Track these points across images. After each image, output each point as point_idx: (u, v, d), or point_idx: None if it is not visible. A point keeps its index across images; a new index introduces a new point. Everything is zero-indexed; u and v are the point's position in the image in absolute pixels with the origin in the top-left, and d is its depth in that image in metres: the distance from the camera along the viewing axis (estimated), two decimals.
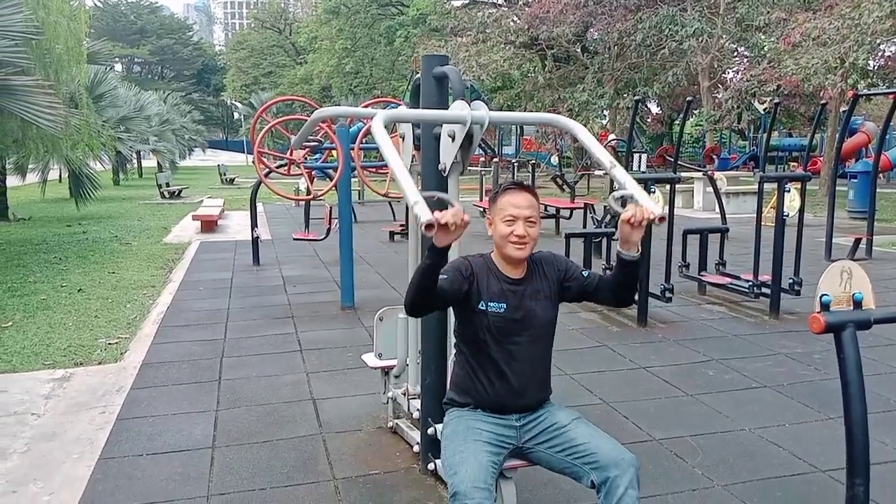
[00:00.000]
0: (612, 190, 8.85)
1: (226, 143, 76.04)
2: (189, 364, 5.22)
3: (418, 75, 3.32)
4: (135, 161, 31.84)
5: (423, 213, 2.06)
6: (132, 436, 3.93)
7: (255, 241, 9.50)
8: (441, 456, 2.58)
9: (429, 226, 2.06)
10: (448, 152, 2.89)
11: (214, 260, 9.87)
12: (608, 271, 7.34)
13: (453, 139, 2.86)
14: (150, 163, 35.06)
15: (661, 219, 2.33)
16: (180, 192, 21.21)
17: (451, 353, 2.84)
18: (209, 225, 13.06)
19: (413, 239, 3.62)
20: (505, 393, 2.56)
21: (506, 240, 2.52)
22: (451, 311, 3.05)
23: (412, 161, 3.44)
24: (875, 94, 13.94)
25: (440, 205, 2.21)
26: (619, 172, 2.58)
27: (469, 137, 2.80)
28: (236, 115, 52.65)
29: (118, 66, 58.43)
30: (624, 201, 2.50)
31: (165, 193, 20.63)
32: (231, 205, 17.73)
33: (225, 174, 27.92)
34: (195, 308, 6.99)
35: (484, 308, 2.52)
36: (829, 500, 3.17)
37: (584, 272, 2.67)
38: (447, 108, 3.06)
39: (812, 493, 3.24)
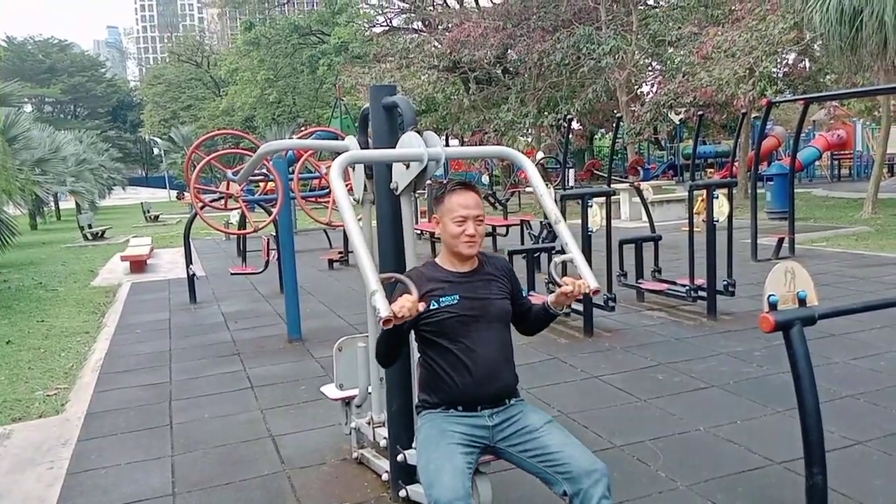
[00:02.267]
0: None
1: (146, 179, 73.97)
2: (136, 410, 5.05)
3: (366, 105, 3.34)
4: (52, 203, 30.65)
5: (382, 308, 2.18)
6: (86, 490, 3.77)
7: (192, 279, 9.28)
8: (417, 463, 2.62)
9: (386, 321, 2.19)
10: (402, 177, 2.92)
11: (149, 300, 9.58)
12: (551, 285, 7.52)
13: (408, 167, 2.90)
14: (68, 204, 33.81)
15: (595, 291, 2.54)
16: (104, 232, 20.51)
17: (415, 356, 2.88)
18: (139, 265, 12.67)
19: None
20: (471, 383, 2.61)
21: (457, 239, 2.64)
22: None
23: (364, 190, 3.45)
24: (787, 101, 14.72)
25: (390, 288, 2.46)
26: (563, 230, 2.74)
27: (424, 169, 2.84)
28: (156, 151, 51.34)
29: (28, 107, 56.28)
30: (564, 266, 2.70)
31: (88, 235, 19.91)
32: (158, 243, 17.26)
33: (149, 212, 27.17)
34: (135, 352, 6.77)
35: (437, 306, 2.61)
36: (787, 490, 3.30)
37: (523, 294, 2.88)
38: (397, 137, 3.09)
39: (771, 485, 3.37)
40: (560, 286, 2.57)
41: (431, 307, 2.58)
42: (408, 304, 2.26)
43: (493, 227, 12.56)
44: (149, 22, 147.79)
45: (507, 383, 2.69)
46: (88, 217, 21.51)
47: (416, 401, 2.87)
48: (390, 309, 2.19)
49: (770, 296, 2.90)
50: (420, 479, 2.54)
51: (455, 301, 2.62)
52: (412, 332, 2.72)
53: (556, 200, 7.99)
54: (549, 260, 8.47)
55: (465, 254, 2.66)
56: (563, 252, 2.72)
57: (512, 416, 2.64)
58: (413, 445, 3.01)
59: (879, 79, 13.27)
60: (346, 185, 3.49)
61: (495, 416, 2.63)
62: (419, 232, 13.27)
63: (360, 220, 4.25)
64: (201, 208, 6.71)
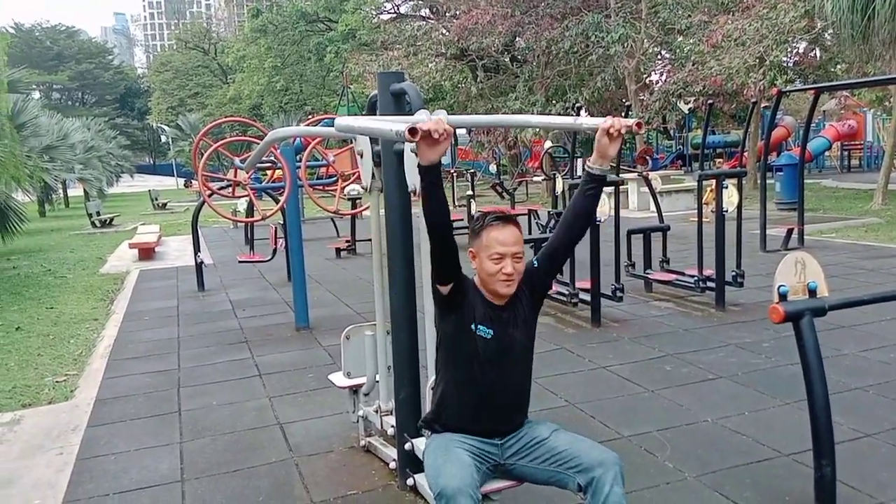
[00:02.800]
0: (554, 192, 9.01)
1: (154, 167, 74.14)
2: (145, 397, 5.07)
3: (374, 93, 3.33)
4: (61, 191, 30.74)
5: (405, 124, 2.08)
6: (95, 475, 3.80)
7: (199, 266, 9.30)
8: (424, 467, 2.59)
9: (412, 130, 2.07)
10: (413, 171, 2.90)
11: (157, 288, 9.61)
12: (558, 274, 7.49)
13: (416, 154, 2.87)
14: (76, 192, 33.86)
15: (639, 125, 2.40)
16: (112, 220, 20.56)
17: (430, 378, 2.84)
18: (147, 252, 12.70)
19: (377, 252, 3.62)
20: (489, 419, 2.58)
21: (494, 278, 2.50)
22: (430, 332, 3.05)
23: (372, 177, 3.44)
24: (797, 91, 14.61)
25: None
26: (585, 120, 2.62)
27: None
28: (163, 138, 51.35)
29: (36, 94, 56.38)
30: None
31: (96, 222, 19.96)
32: (166, 230, 17.29)
33: (157, 199, 27.21)
34: (144, 339, 6.80)
35: (474, 330, 2.52)
36: (795, 481, 3.30)
37: (533, 263, 2.66)
38: None
39: (779, 477, 3.37)
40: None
41: (471, 327, 2.52)
42: (432, 122, 2.15)
43: None
44: (156, 8, 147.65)
45: (520, 423, 2.65)
46: (97, 204, 21.57)
47: (424, 415, 2.82)
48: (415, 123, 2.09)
49: (780, 286, 2.89)
50: (427, 481, 2.50)
51: (489, 336, 2.53)
52: (437, 338, 2.68)
53: (563, 190, 7.98)
54: None
55: (502, 293, 2.53)
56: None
57: (519, 433, 2.63)
58: (421, 464, 3.00)
59: (891, 68, 13.14)
60: (354, 173, 3.48)
61: (503, 436, 2.62)
62: None
63: (367, 209, 4.25)
64: (209, 196, 6.71)
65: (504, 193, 15.29)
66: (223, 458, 3.92)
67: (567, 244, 2.65)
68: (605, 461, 2.39)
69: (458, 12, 23.39)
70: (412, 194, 2.99)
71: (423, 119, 2.64)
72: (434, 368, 2.79)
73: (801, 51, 19.41)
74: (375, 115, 3.41)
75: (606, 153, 2.46)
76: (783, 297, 2.89)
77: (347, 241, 11.96)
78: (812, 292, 2.95)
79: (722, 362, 5.13)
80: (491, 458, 2.57)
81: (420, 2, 28.93)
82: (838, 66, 19.68)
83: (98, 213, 20.45)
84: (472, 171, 17.61)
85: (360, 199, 11.22)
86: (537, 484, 2.59)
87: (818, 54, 20.16)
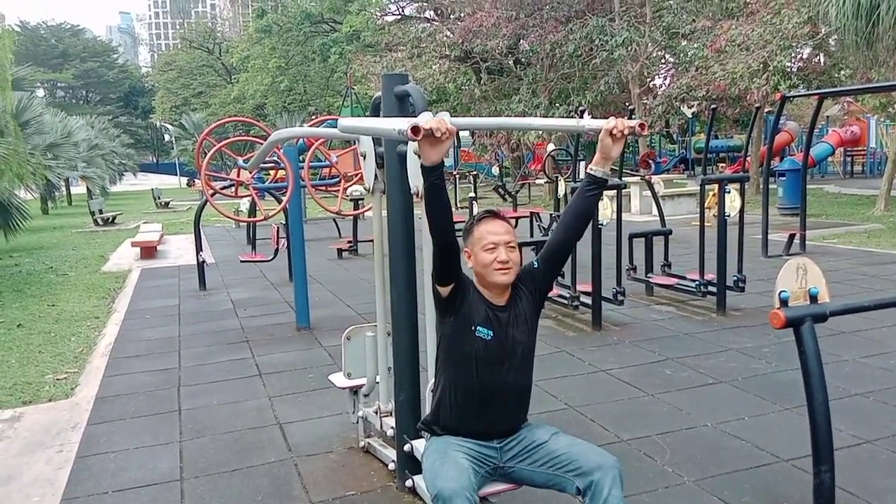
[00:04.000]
0: (557, 194, 9.00)
1: (157, 165, 74.20)
2: (145, 395, 5.08)
3: (378, 94, 3.34)
4: (63, 189, 30.78)
5: (408, 123, 2.10)
6: (94, 473, 3.81)
7: (201, 266, 9.31)
8: (423, 470, 2.58)
9: (415, 129, 2.08)
10: (417, 172, 2.90)
11: (158, 287, 9.62)
12: (559, 276, 7.49)
13: (420, 157, 2.88)
14: (79, 189, 33.90)
15: (642, 126, 2.41)
16: (114, 218, 20.59)
17: (430, 380, 2.84)
18: (149, 251, 12.72)
19: (378, 254, 3.62)
20: (488, 420, 2.57)
21: (489, 268, 2.51)
22: (431, 334, 3.06)
23: (375, 178, 3.44)
24: (801, 96, 14.59)
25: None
26: (588, 122, 2.62)
27: None
28: (167, 137, 51.40)
29: (40, 92, 56.50)
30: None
31: (99, 220, 20.00)
32: (169, 229, 17.32)
33: (159, 198, 27.25)
34: (145, 337, 6.81)
35: (474, 331, 2.52)
36: (794, 487, 3.29)
37: (534, 264, 2.67)
38: None
39: (778, 483, 3.37)
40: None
41: (471, 328, 2.51)
42: (434, 120, 2.16)
43: None
44: (161, 8, 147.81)
45: (519, 425, 2.66)
46: (100, 202, 21.60)
47: (424, 417, 2.82)
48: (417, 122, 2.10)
49: (781, 292, 2.88)
50: (425, 483, 2.50)
51: (489, 337, 2.53)
52: (437, 337, 2.67)
53: (566, 192, 7.98)
54: None
55: (501, 282, 2.52)
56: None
57: (518, 435, 2.63)
58: (420, 466, 3.00)
59: (895, 74, 13.13)
60: (356, 174, 3.49)
61: (502, 439, 2.61)
62: None
63: (369, 209, 4.24)
64: (212, 195, 6.72)
65: (506, 196, 15.30)
66: (223, 458, 3.93)
67: (565, 244, 2.65)
68: (604, 465, 2.39)
69: (462, 14, 23.41)
70: (414, 196, 2.99)
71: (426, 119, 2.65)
72: (434, 370, 2.78)
73: (805, 56, 19.38)
74: (379, 116, 3.42)
75: (609, 154, 2.48)
76: (784, 302, 2.89)
77: (349, 242, 11.97)
78: (813, 298, 2.94)
79: (722, 367, 5.13)
80: (490, 461, 2.57)
81: (424, 4, 28.94)
82: (842, 72, 19.64)
83: (101, 212, 20.49)
84: (474, 173, 17.63)
85: (362, 199, 11.23)
86: (536, 487, 2.60)
87: (822, 60, 20.13)
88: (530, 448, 2.56)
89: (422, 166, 2.29)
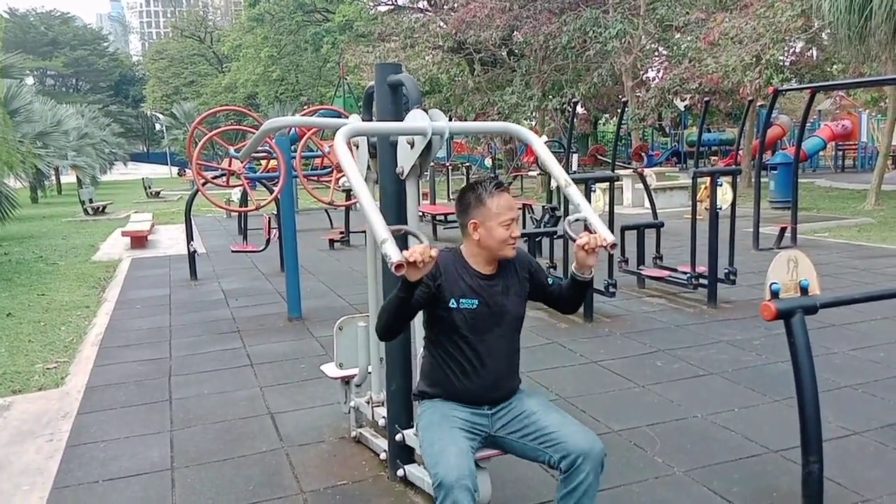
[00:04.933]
0: (549, 186, 9.01)
1: (147, 155, 73.71)
2: (136, 385, 5.06)
3: (371, 84, 3.32)
4: (53, 177, 30.59)
5: (393, 254, 2.12)
6: (85, 462, 3.79)
7: (192, 255, 9.28)
8: (420, 445, 2.61)
9: (398, 266, 2.12)
10: (407, 159, 2.90)
11: (149, 276, 9.58)
12: (551, 269, 7.50)
13: (412, 146, 2.88)
14: (69, 178, 33.72)
15: (613, 245, 2.47)
16: (104, 207, 20.48)
17: (420, 348, 2.85)
18: (140, 240, 12.66)
19: (370, 244, 3.61)
20: (477, 387, 2.60)
21: (504, 244, 2.54)
22: (421, 324, 3.06)
23: (367, 169, 3.43)
24: (793, 90, 14.63)
25: (402, 239, 2.39)
26: (574, 192, 2.69)
27: (429, 146, 2.81)
28: (158, 127, 51.12)
29: (30, 80, 56.00)
30: (581, 226, 2.61)
31: (89, 210, 19.88)
32: (160, 219, 17.25)
33: (150, 187, 27.12)
34: (135, 327, 6.78)
35: (455, 306, 2.54)
36: (782, 478, 3.32)
37: (549, 279, 2.77)
38: (402, 117, 3.07)
39: (767, 473, 3.39)
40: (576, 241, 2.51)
41: (450, 304, 2.53)
42: (419, 249, 2.19)
43: None
44: None
45: (511, 390, 2.69)
46: (90, 192, 21.47)
47: (414, 389, 2.84)
48: (402, 255, 2.12)
49: (772, 283, 2.90)
50: (424, 460, 2.55)
51: (474, 306, 2.55)
52: (422, 317, 2.67)
53: (558, 185, 7.99)
54: (551, 244, 8.49)
55: (510, 256, 2.59)
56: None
57: (510, 403, 2.66)
58: (413, 431, 3.01)
59: (887, 69, 13.18)
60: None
61: (493, 406, 2.65)
62: (421, 214, 13.25)
63: (356, 202, 4.23)
64: (203, 185, 6.69)
65: None
66: (213, 447, 3.92)
67: (553, 306, 2.85)
68: (590, 453, 2.41)
69: (455, 5, 23.31)
70: (399, 175, 2.99)
71: (424, 127, 2.64)
72: (421, 366, 2.81)
73: (797, 50, 19.43)
74: (372, 106, 3.41)
75: (584, 264, 2.58)
76: (775, 294, 2.90)
77: (341, 233, 11.94)
78: (804, 290, 2.95)
79: (713, 359, 5.15)
80: (482, 429, 2.60)
81: None
82: (835, 66, 19.71)
83: (91, 201, 20.37)
84: (467, 164, 17.60)
85: None
86: (519, 457, 2.64)
87: (815, 54, 20.19)
88: (520, 419, 2.59)
89: (403, 281, 2.29)
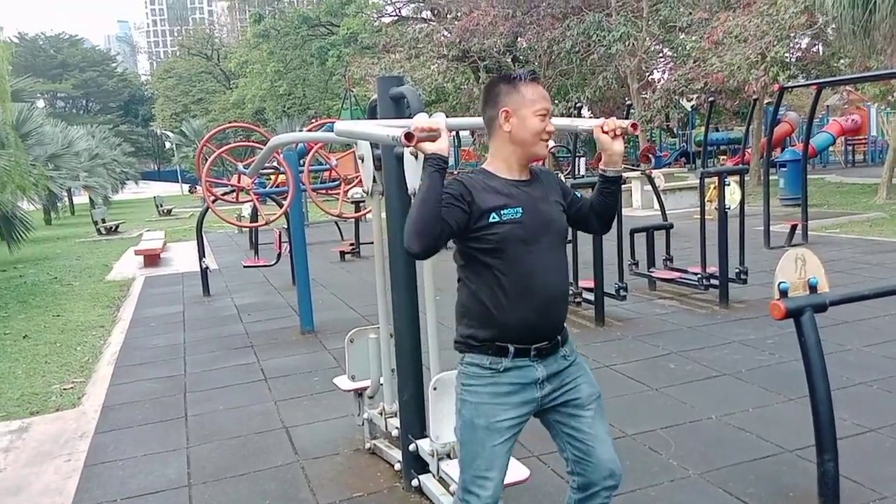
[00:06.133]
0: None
1: (158, 173, 74.32)
2: (152, 402, 5.11)
3: (374, 97, 3.35)
4: (66, 199, 30.88)
5: (401, 129, 2.05)
6: (103, 481, 3.83)
7: (205, 272, 9.34)
8: (458, 439, 2.33)
9: (408, 135, 2.03)
10: (413, 173, 2.92)
11: (162, 294, 9.65)
12: None
13: (416, 157, 2.90)
14: (81, 199, 34.04)
15: (634, 126, 2.31)
16: (117, 227, 20.67)
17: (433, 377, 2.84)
18: (153, 259, 12.76)
19: (379, 256, 3.64)
20: (530, 315, 2.23)
21: (538, 137, 2.25)
22: (433, 333, 3.06)
23: (373, 181, 3.46)
24: (799, 87, 14.58)
25: None
26: (581, 122, 2.60)
27: None
28: (168, 145, 51.59)
29: (40, 102, 56.65)
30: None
31: (102, 229, 20.07)
32: (172, 236, 17.37)
33: (161, 205, 27.34)
34: (150, 345, 6.84)
35: (497, 219, 2.19)
36: (798, 478, 3.30)
37: (577, 193, 2.50)
38: None
39: (783, 473, 3.37)
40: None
41: (491, 219, 2.18)
42: (423, 120, 2.06)
43: None
44: (159, 16, 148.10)
45: (564, 315, 2.36)
46: (102, 211, 21.68)
47: (456, 336, 2.35)
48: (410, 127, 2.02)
49: (781, 283, 2.90)
50: (458, 456, 2.35)
51: (518, 215, 2.19)
52: (456, 250, 2.30)
53: (661, 189, 7.92)
54: None
55: (542, 155, 2.32)
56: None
57: (565, 384, 2.32)
58: (426, 465, 2.98)
59: (893, 62, 13.11)
60: (357, 176, 3.51)
61: (547, 368, 2.28)
62: None
63: (370, 212, 4.27)
64: (213, 202, 6.75)
65: None
66: (230, 463, 3.95)
67: (587, 225, 2.51)
68: (609, 477, 2.33)
69: (459, 14, 23.43)
70: (412, 196, 3.00)
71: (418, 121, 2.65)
72: (457, 309, 2.36)
73: (803, 46, 19.37)
74: (377, 119, 3.44)
75: (611, 150, 2.34)
76: (784, 293, 2.90)
77: (352, 245, 11.98)
78: (813, 288, 2.95)
79: (726, 359, 5.14)
80: (529, 412, 2.32)
81: (421, 4, 28.98)
82: (841, 61, 19.65)
83: (103, 220, 20.57)
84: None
85: (363, 202, 11.24)
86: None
87: (820, 49, 20.13)
88: (569, 406, 2.33)
89: (427, 159, 2.10)
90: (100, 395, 5.33)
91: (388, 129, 2.24)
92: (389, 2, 31.66)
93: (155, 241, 14.27)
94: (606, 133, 2.32)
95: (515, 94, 2.24)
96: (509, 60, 23.91)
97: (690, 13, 18.16)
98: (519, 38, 22.73)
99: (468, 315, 2.30)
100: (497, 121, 2.27)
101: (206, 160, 6.82)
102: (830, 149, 26.54)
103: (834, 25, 14.36)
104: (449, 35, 23.22)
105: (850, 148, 26.72)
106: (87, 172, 27.48)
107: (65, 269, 13.08)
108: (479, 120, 2.64)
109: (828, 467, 2.87)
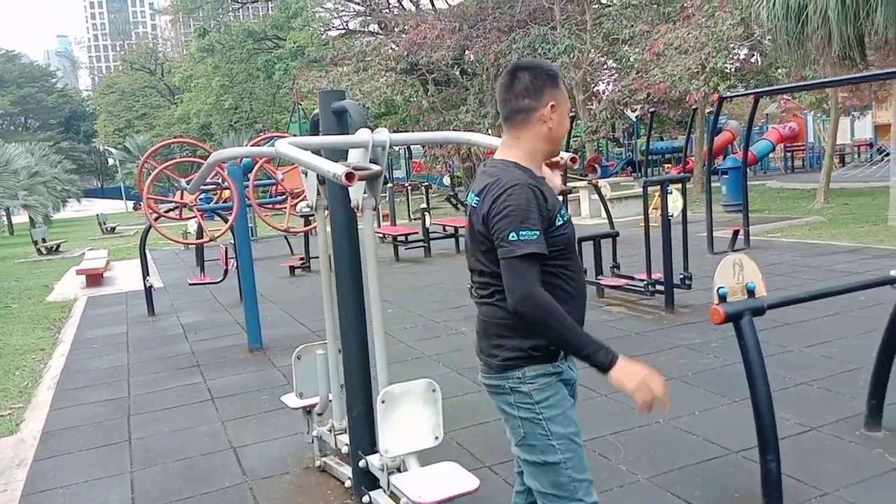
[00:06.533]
0: None
1: (102, 190, 72.55)
2: (94, 427, 4.95)
3: (316, 111, 3.33)
4: (4, 218, 29.90)
5: (343, 168, 2.15)
6: None
7: (149, 291, 9.12)
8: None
9: (349, 175, 2.11)
10: (356, 188, 2.90)
11: (106, 314, 9.39)
12: None
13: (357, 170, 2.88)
14: (21, 219, 32.99)
15: (573, 160, 2.35)
16: (58, 246, 20.05)
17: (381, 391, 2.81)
18: (95, 278, 12.40)
19: (325, 270, 3.60)
20: (581, 310, 2.22)
21: (561, 141, 2.22)
22: (381, 347, 3.02)
23: (318, 195, 3.43)
24: (738, 96, 15.00)
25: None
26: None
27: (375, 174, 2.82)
28: (111, 161, 50.37)
29: None
30: None
31: (42, 249, 19.45)
32: (115, 255, 16.93)
33: (105, 223, 26.63)
34: (92, 367, 6.63)
35: (562, 221, 2.11)
36: (743, 478, 3.37)
37: None
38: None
39: (728, 475, 3.44)
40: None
41: (558, 221, 2.08)
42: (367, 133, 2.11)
43: (456, 229, 12.59)
44: (100, 30, 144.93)
45: None
46: (42, 231, 21.04)
47: (504, 352, 2.14)
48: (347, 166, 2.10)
49: (719, 288, 2.97)
50: (563, 478, 2.16)
51: (567, 217, 2.15)
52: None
53: (607, 198, 8.02)
54: None
55: (558, 156, 2.32)
56: None
57: (574, 374, 2.28)
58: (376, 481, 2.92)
59: (826, 72, 13.60)
60: (304, 190, 3.48)
61: (571, 369, 2.26)
62: (381, 236, 13.24)
63: (315, 227, 4.22)
64: (155, 219, 6.60)
65: (459, 205, 15.38)
66: (175, 486, 3.85)
67: None
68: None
69: (406, 27, 23.51)
70: (355, 210, 2.99)
71: (365, 139, 2.67)
72: (502, 322, 2.14)
73: (742, 56, 19.94)
74: (319, 134, 3.41)
75: (553, 183, 2.29)
76: (723, 298, 2.97)
77: (301, 259, 11.85)
78: (750, 293, 3.03)
79: (672, 364, 5.22)
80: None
81: (368, 18, 29.00)
82: (778, 71, 20.27)
83: (44, 240, 19.95)
84: (426, 184, 17.70)
85: (312, 215, 11.14)
86: None
87: (758, 60, 20.75)
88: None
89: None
90: (39, 421, 5.15)
91: (331, 165, 2.24)
92: (336, 15, 31.60)
93: (98, 260, 13.87)
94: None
95: (557, 88, 2.13)
96: (457, 73, 24.09)
97: (632, 26, 18.55)
98: (466, 52, 22.91)
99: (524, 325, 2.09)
100: (538, 112, 2.11)
101: (149, 176, 6.68)
102: (770, 155, 27.37)
103: (770, 37, 14.82)
104: (397, 48, 23.28)
105: (789, 154, 27.60)
106: (27, 191, 26.70)
107: (2, 291, 12.62)
108: (429, 135, 2.71)
109: (770, 467, 2.94)
